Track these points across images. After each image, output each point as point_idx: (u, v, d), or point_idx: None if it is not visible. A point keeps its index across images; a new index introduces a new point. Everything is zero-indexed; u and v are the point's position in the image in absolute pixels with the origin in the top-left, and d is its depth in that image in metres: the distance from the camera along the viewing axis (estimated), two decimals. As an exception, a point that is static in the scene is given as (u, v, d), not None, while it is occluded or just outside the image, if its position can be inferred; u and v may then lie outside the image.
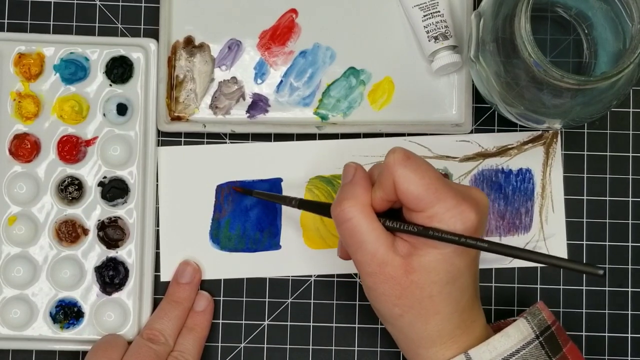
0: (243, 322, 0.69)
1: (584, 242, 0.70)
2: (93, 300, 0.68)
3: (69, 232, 0.68)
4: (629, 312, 0.69)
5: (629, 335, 0.69)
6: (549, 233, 0.69)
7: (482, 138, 0.70)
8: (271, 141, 0.70)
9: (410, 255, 0.55)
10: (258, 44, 0.70)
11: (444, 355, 0.56)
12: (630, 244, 0.70)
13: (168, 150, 0.69)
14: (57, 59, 0.68)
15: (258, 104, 0.70)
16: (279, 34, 0.70)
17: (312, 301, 0.69)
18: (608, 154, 0.70)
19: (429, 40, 0.67)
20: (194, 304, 0.68)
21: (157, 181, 0.69)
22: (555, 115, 0.61)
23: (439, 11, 0.68)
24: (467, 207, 0.54)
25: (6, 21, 0.70)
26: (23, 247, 0.68)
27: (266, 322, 0.69)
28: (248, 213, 0.69)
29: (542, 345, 0.56)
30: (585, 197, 0.70)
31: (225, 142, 0.70)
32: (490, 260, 0.69)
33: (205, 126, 0.68)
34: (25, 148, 0.68)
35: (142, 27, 0.70)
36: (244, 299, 0.69)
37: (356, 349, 0.69)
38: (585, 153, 0.70)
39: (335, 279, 0.69)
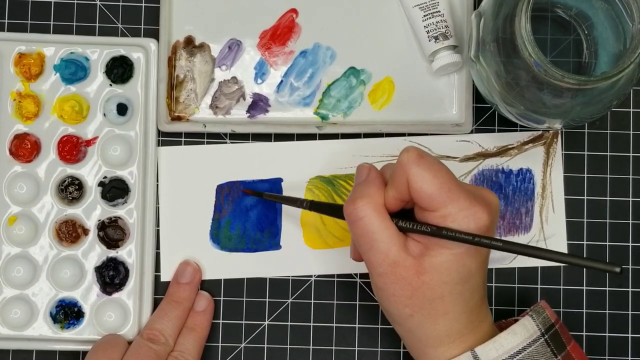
0: (243, 322, 0.69)
1: (584, 242, 0.70)
2: (93, 300, 0.68)
3: (69, 232, 0.68)
4: (629, 312, 0.69)
5: (629, 335, 0.69)
6: (549, 233, 0.69)
7: (482, 138, 0.70)
8: (271, 141, 0.70)
9: (422, 255, 0.55)
10: (258, 44, 0.70)
11: (451, 353, 0.56)
12: (630, 244, 0.70)
13: (168, 150, 0.69)
14: (57, 59, 0.68)
15: (258, 104, 0.70)
16: (279, 34, 0.70)
17: (312, 301, 0.69)
18: (608, 154, 0.70)
19: (429, 40, 0.67)
20: (194, 304, 0.68)
21: (157, 181, 0.69)
22: (556, 115, 0.61)
23: (439, 11, 0.68)
24: (480, 208, 0.54)
25: (6, 21, 0.70)
26: (23, 247, 0.68)
27: (266, 322, 0.69)
28: (248, 213, 0.69)
29: (547, 343, 0.56)
30: (585, 197, 0.70)
31: (226, 142, 0.70)
32: (491, 260, 0.68)
33: (205, 126, 0.68)
34: (25, 148, 0.68)
35: (142, 27, 0.70)
36: (244, 299, 0.69)
37: (356, 349, 0.69)
38: (586, 153, 0.70)
39: (336, 279, 0.69)
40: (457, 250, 0.54)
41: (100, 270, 0.68)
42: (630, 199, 0.70)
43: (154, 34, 0.69)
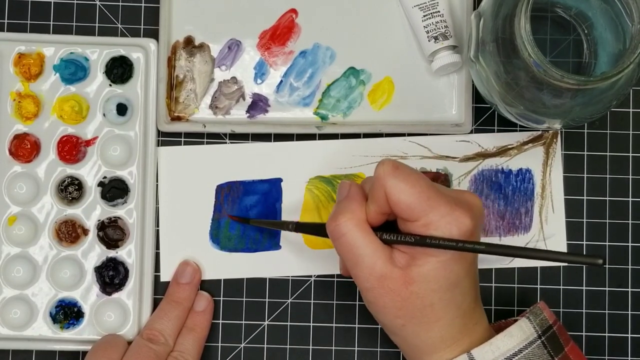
0: (243, 322, 0.69)
1: (584, 242, 0.70)
2: (93, 301, 0.68)
3: (69, 232, 0.68)
4: (629, 312, 0.69)
5: (629, 335, 0.69)
6: (549, 233, 0.69)
7: (482, 138, 0.70)
8: (271, 141, 0.70)
9: (409, 266, 0.55)
10: (258, 44, 0.70)
11: (447, 357, 0.56)
12: (630, 244, 0.70)
13: (168, 150, 0.69)
14: (57, 59, 0.68)
15: (258, 104, 0.70)
16: (279, 34, 0.70)
17: (312, 301, 0.69)
18: (608, 154, 0.70)
19: (429, 40, 0.67)
20: (194, 304, 0.68)
21: (157, 181, 0.69)
22: (555, 115, 0.61)
23: (438, 11, 0.68)
24: (462, 213, 0.54)
25: (6, 21, 0.70)
26: (23, 247, 0.68)
27: (266, 322, 0.69)
28: (248, 213, 0.69)
29: (544, 345, 0.57)
30: (585, 197, 0.70)
31: (225, 142, 0.70)
32: (490, 261, 0.69)
33: (205, 126, 0.68)
34: (25, 148, 0.68)
35: (142, 27, 0.70)
36: (244, 299, 0.69)
37: (356, 349, 0.69)
38: (585, 153, 0.70)
39: (335, 279, 0.69)
40: (443, 258, 0.54)
41: (100, 271, 0.68)
42: (630, 199, 0.70)
43: (154, 34, 0.69)
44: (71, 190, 0.68)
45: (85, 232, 0.68)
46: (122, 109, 0.68)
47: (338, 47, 0.70)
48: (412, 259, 0.55)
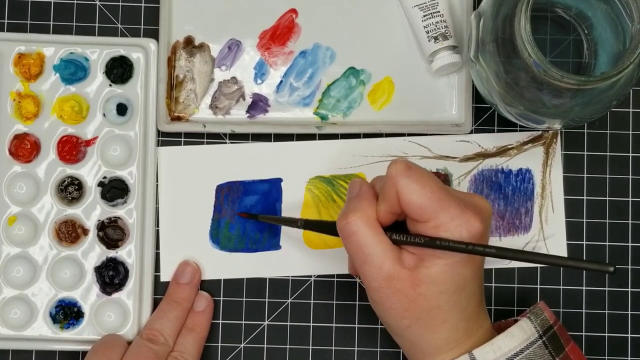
0: (243, 322, 0.69)
1: (584, 242, 0.70)
2: (93, 301, 0.68)
3: (69, 232, 0.68)
4: (629, 312, 0.69)
5: (629, 335, 0.69)
6: (548, 233, 0.69)
7: (482, 138, 0.70)
8: (271, 141, 0.70)
9: (417, 267, 0.55)
10: (258, 44, 0.70)
11: (449, 358, 0.56)
12: (630, 244, 0.70)
13: (168, 150, 0.69)
14: (57, 59, 0.68)
15: (258, 104, 0.70)
16: (279, 34, 0.70)
17: (312, 301, 0.69)
18: (608, 154, 0.70)
19: (429, 41, 0.67)
20: (194, 304, 0.68)
21: (157, 181, 0.69)
22: (555, 115, 0.61)
23: (438, 11, 0.68)
24: (472, 216, 0.54)
25: (6, 21, 0.70)
26: (23, 247, 0.68)
27: (266, 322, 0.69)
28: (248, 213, 0.69)
29: (545, 345, 0.57)
30: (585, 197, 0.70)
31: (225, 142, 0.70)
32: (490, 261, 0.69)
33: (205, 126, 0.68)
34: (25, 148, 0.68)
35: (142, 27, 0.70)
36: (244, 299, 0.69)
37: (356, 349, 0.69)
38: (585, 153, 0.70)
39: (335, 279, 0.69)
40: (451, 260, 0.54)
41: (99, 271, 0.68)
42: (630, 199, 0.70)
43: (154, 34, 0.69)
44: (71, 190, 0.68)
45: (85, 232, 0.68)
46: (122, 109, 0.68)
47: (338, 47, 0.70)
48: (420, 260, 0.55)
